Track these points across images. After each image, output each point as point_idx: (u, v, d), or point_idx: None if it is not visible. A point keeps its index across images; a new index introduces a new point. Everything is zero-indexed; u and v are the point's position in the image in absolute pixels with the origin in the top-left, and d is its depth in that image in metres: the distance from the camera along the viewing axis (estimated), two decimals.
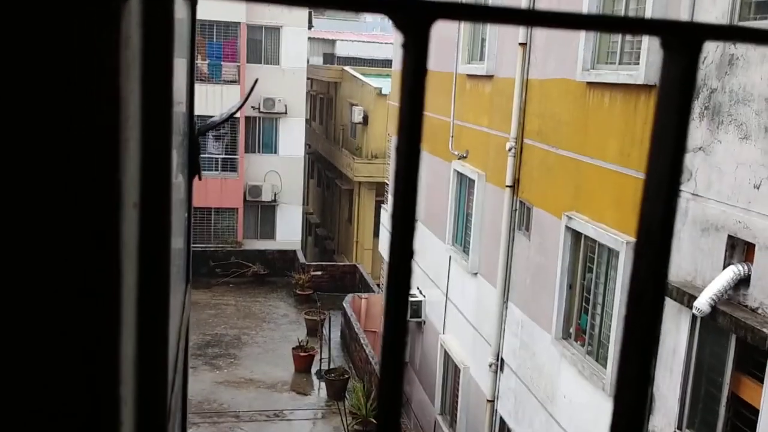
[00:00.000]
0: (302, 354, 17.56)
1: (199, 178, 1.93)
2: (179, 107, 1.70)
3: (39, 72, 0.51)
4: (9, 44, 0.50)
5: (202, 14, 24.21)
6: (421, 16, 0.39)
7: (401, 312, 0.44)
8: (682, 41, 0.42)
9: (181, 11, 1.56)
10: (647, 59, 7.36)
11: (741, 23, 6.26)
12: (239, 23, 25.21)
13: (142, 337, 0.82)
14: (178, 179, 1.67)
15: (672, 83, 0.42)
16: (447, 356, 13.22)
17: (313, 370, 17.62)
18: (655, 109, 0.44)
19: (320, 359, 17.36)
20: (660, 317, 0.46)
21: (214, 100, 24.23)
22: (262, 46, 26.19)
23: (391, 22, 0.40)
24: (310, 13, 26.98)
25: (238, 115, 25.01)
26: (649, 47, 7.34)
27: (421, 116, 0.40)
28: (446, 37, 13.37)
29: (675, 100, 0.42)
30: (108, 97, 0.53)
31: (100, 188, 0.54)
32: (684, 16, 6.81)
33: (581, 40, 8.62)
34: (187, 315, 1.87)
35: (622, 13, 8.12)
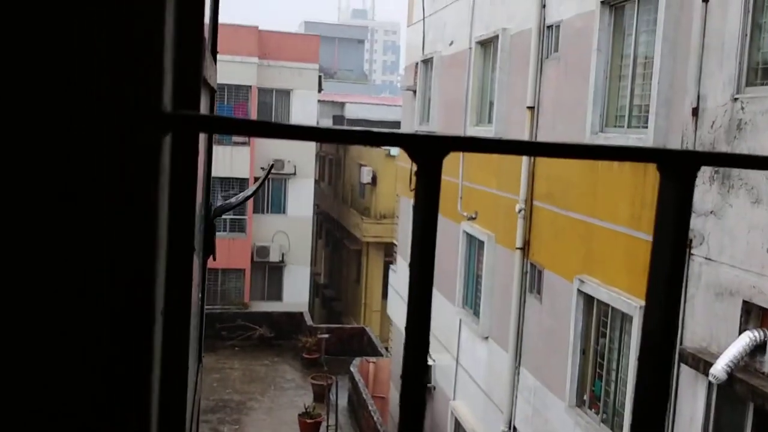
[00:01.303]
0: (308, 421, 17.19)
1: (214, 259, 1.92)
2: (198, 196, 1.70)
3: (88, 199, 0.57)
4: (65, 172, 0.56)
5: None
6: (434, 149, 0.43)
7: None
8: (677, 167, 0.44)
9: (203, 105, 1.58)
10: (656, 123, 7.38)
11: (748, 88, 6.28)
12: (250, 86, 25.67)
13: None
14: (194, 262, 1.64)
15: (667, 207, 0.45)
16: (458, 424, 12.91)
17: None
18: (654, 229, 0.47)
19: (327, 426, 16.99)
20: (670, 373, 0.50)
21: (224, 162, 24.48)
22: (273, 108, 26.61)
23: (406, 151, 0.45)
24: (320, 77, 27.48)
25: (247, 175, 25.22)
26: (657, 111, 7.38)
27: (434, 237, 0.43)
28: (455, 100, 13.54)
29: (671, 222, 0.45)
30: (145, 223, 0.58)
31: (136, 300, 0.59)
32: (690, 82, 6.86)
33: (589, 103, 8.69)
34: (198, 395, 1.82)
35: (629, 81, 8.19)
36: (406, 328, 0.44)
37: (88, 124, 0.55)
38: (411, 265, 0.42)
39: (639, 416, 0.48)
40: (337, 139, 0.43)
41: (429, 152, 0.41)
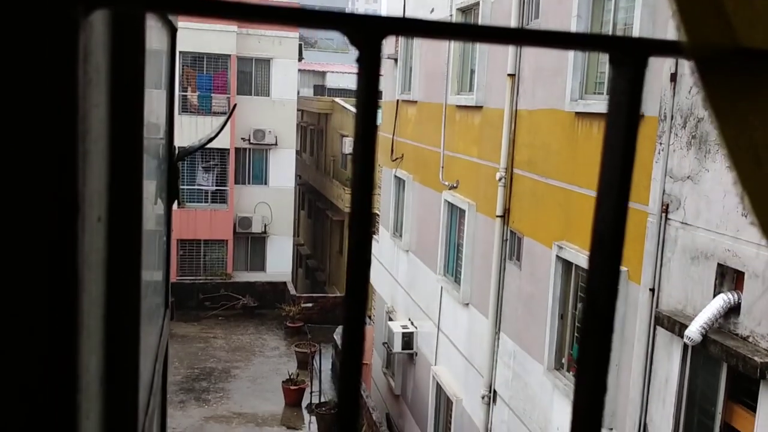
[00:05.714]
0: (292, 387, 17.36)
1: (179, 204, 1.92)
2: (158, 133, 1.69)
3: None
4: None
5: (192, 47, 24.43)
6: (372, 31, 0.41)
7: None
8: (629, 56, 0.44)
9: (160, 42, 1.57)
10: None
11: None
12: (229, 55, 25.39)
13: (111, 349, 0.81)
14: (157, 203, 1.65)
15: (620, 96, 0.44)
16: (439, 388, 13.10)
17: (304, 403, 17.41)
18: (605, 122, 0.45)
19: (311, 392, 17.17)
20: (612, 320, 0.48)
21: (204, 131, 24.26)
22: (253, 78, 26.35)
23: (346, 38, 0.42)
24: (300, 46, 27.21)
25: (228, 146, 25.06)
26: None
27: (375, 125, 0.42)
28: (436, 68, 13.49)
29: (623, 113, 0.44)
30: (63, 110, 0.53)
31: (56, 199, 0.54)
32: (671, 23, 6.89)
33: (569, 70, 8.71)
34: (165, 340, 1.84)
35: (611, 23, 8.19)
36: (349, 225, 0.43)
37: None
38: (353, 157, 0.42)
39: (582, 371, 0.46)
40: (262, 18, 0.40)
41: (367, 33, 0.39)
